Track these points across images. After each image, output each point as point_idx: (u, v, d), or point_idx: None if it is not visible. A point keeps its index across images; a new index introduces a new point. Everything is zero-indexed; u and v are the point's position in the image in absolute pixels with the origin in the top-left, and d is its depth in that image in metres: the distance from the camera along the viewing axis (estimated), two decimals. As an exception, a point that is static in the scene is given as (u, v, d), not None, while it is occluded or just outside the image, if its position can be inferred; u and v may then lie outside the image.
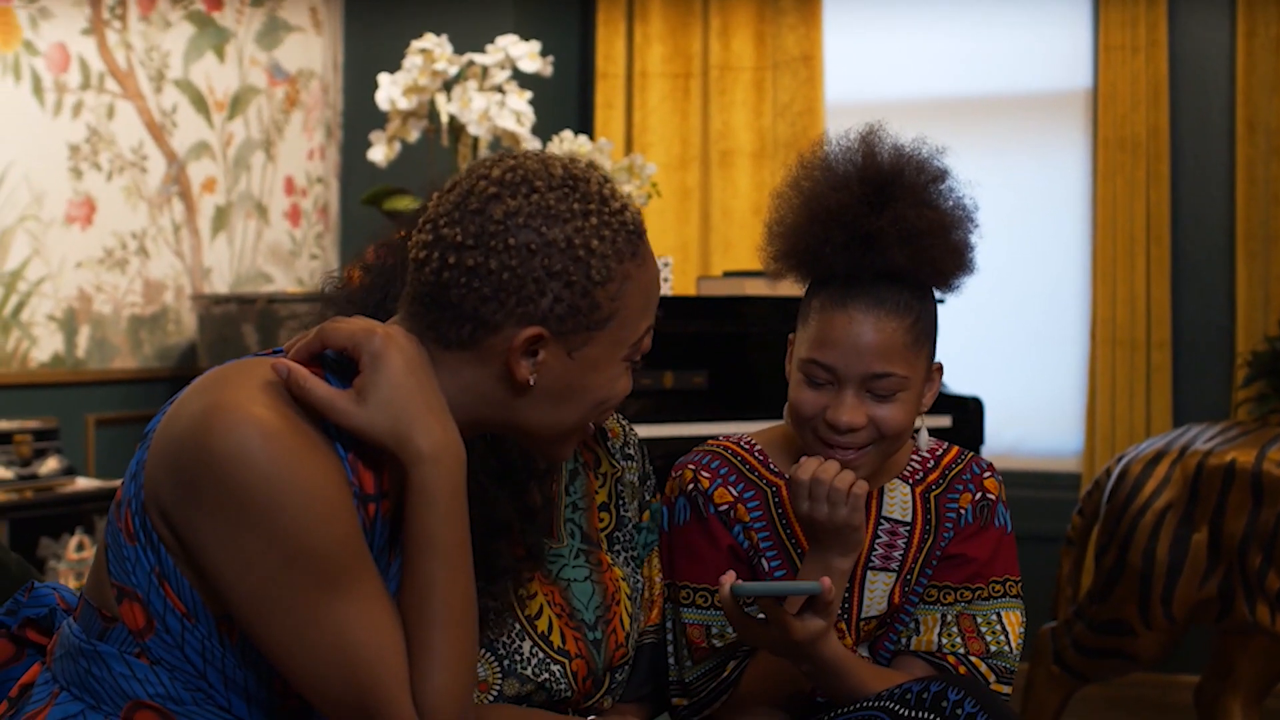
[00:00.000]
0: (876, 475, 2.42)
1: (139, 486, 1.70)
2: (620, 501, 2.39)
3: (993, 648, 2.38)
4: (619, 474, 2.40)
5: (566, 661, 2.22)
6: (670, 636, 2.43)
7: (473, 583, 1.75)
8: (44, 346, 4.95)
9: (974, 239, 2.35)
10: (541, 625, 2.22)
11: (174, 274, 5.38)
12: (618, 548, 2.37)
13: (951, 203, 2.33)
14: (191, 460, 1.62)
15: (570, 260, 1.74)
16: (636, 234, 1.81)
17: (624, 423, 2.47)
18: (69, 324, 5.02)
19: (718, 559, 2.39)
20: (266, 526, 1.60)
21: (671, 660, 2.43)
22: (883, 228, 2.26)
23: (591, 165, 1.83)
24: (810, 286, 2.36)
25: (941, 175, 2.34)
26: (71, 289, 5.02)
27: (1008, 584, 2.43)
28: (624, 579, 2.34)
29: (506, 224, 1.73)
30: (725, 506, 2.40)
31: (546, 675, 2.20)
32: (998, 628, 2.39)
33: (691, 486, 2.41)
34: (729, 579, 2.11)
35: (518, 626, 2.20)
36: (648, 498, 2.47)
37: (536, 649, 2.20)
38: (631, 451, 2.44)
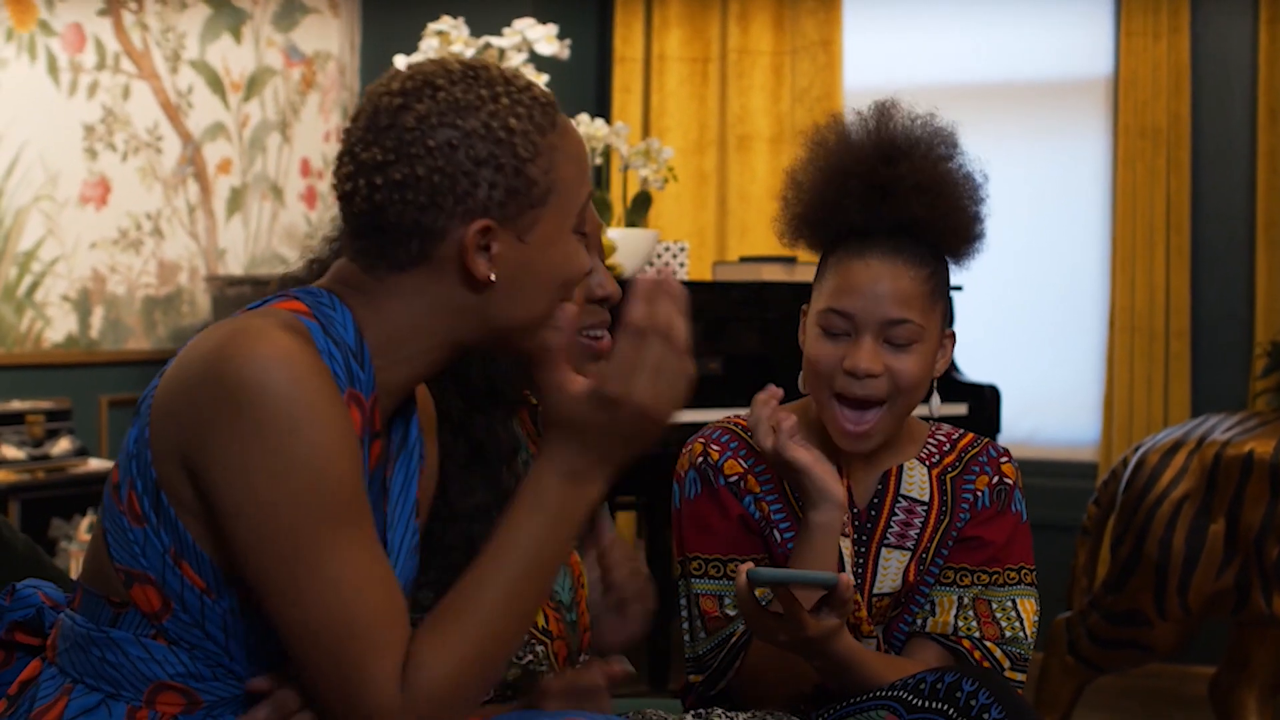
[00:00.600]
0: (892, 453, 2.42)
1: (144, 464, 1.68)
2: None
3: (1008, 633, 2.37)
4: None
5: (549, 642, 2.20)
6: (684, 613, 2.42)
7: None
8: (58, 327, 4.95)
9: (984, 212, 2.38)
10: None
11: (188, 255, 5.37)
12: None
13: (964, 173, 2.36)
14: (211, 388, 1.61)
15: (494, 144, 1.70)
16: (550, 105, 1.77)
17: None
18: (83, 304, 5.01)
19: (729, 530, 2.38)
20: (282, 453, 1.59)
21: (686, 637, 2.42)
22: (900, 176, 2.30)
23: (488, 60, 1.80)
24: (826, 248, 2.39)
25: (953, 144, 2.37)
26: (85, 269, 5.01)
27: (1023, 572, 2.41)
28: (583, 561, 2.33)
29: (421, 128, 1.70)
30: (735, 478, 2.39)
31: (530, 656, 2.17)
32: (1013, 614, 2.38)
33: (701, 459, 2.40)
34: (745, 568, 2.09)
35: None
36: None
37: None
38: None
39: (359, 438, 1.70)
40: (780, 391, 2.30)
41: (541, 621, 2.20)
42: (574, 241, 1.80)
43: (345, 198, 1.75)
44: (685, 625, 2.42)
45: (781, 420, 2.25)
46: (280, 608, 1.62)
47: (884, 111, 2.38)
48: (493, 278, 1.73)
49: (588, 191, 1.82)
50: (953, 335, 2.42)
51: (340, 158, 1.76)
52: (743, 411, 2.52)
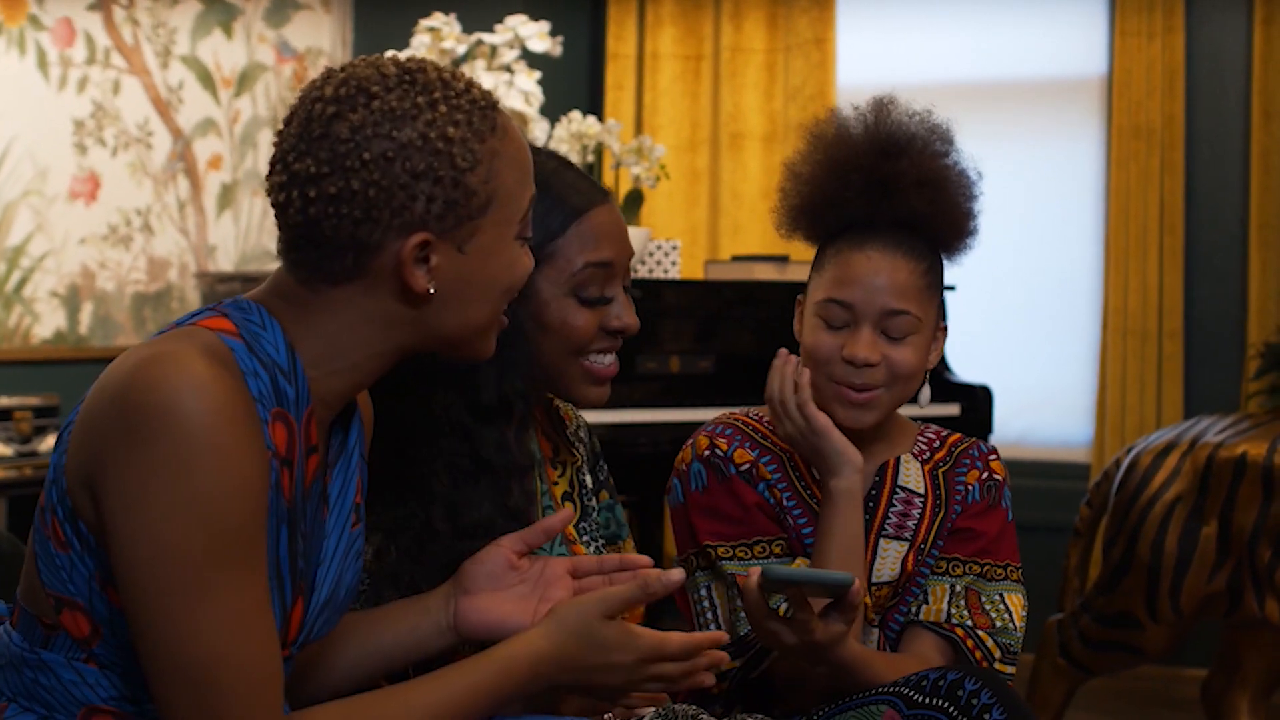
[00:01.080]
0: (887, 448, 2.48)
1: (61, 491, 1.63)
2: (583, 490, 2.38)
3: (998, 624, 2.39)
4: (577, 463, 2.40)
5: None
6: (706, 605, 2.42)
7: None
8: (46, 323, 4.92)
9: (979, 208, 2.44)
10: None
11: (178, 251, 5.34)
12: (586, 538, 2.36)
13: (959, 170, 2.42)
14: (117, 415, 1.55)
15: (431, 155, 1.66)
16: (490, 108, 1.73)
17: (572, 409, 2.47)
18: (72, 300, 4.99)
19: (746, 518, 2.40)
20: (179, 488, 1.53)
21: (711, 627, 2.41)
22: (901, 171, 2.36)
23: (424, 59, 1.75)
24: (824, 241, 2.44)
25: (949, 141, 2.42)
26: (75, 265, 4.98)
27: (1009, 569, 2.45)
28: None
29: (355, 140, 1.65)
30: (746, 465, 2.42)
31: None
32: (1001, 607, 2.40)
33: (708, 452, 2.43)
34: (757, 572, 2.10)
35: None
36: (601, 479, 2.47)
37: None
38: (582, 435, 2.46)
39: (289, 457, 1.66)
40: (796, 361, 2.35)
41: None
42: (515, 248, 1.77)
43: (279, 208, 1.70)
44: (701, 620, 2.42)
45: (802, 391, 2.31)
46: (150, 645, 1.57)
47: (882, 107, 2.42)
48: (431, 290, 1.70)
49: (530, 195, 1.78)
50: (945, 329, 2.47)
51: (273, 164, 1.70)
52: (736, 409, 2.53)
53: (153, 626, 1.56)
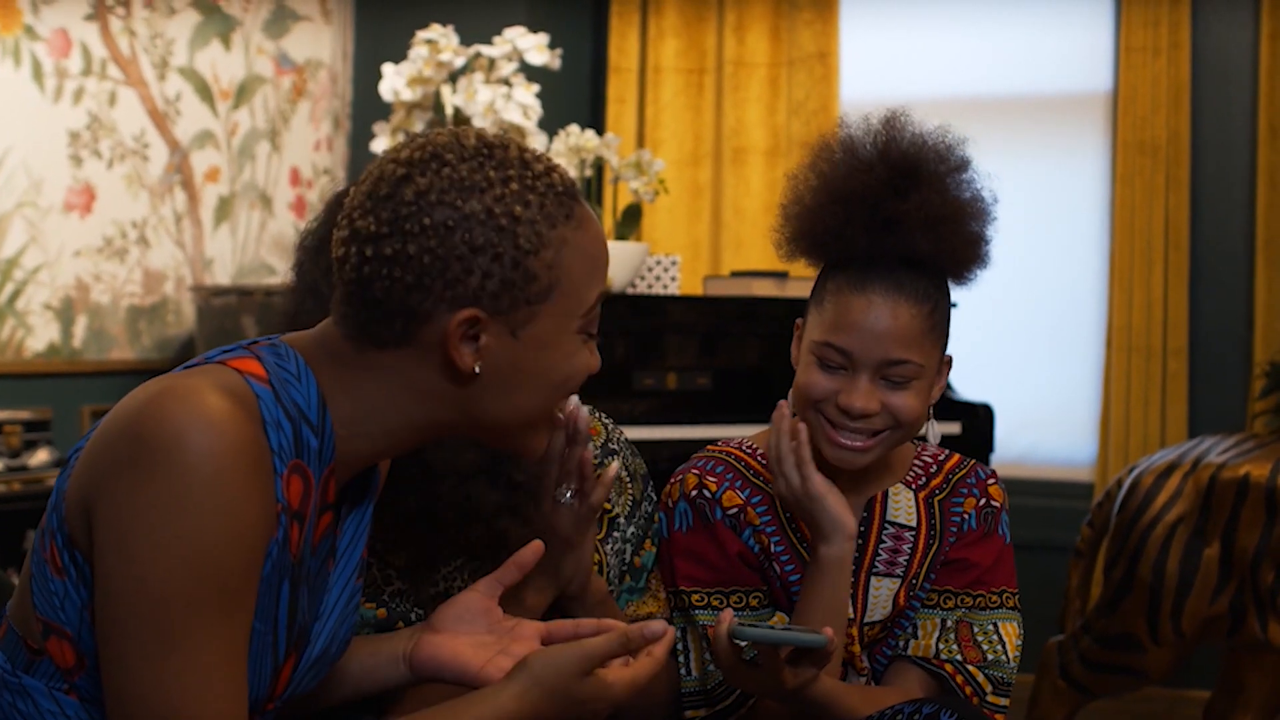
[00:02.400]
0: (879, 479, 2.39)
1: (61, 517, 1.60)
2: (609, 501, 2.33)
3: (990, 657, 2.32)
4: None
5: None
6: (679, 647, 2.36)
7: None
8: (39, 336, 4.88)
9: (991, 232, 2.33)
10: None
11: (175, 264, 5.31)
12: (608, 547, 2.32)
13: (972, 193, 2.31)
14: (123, 445, 1.52)
15: (494, 231, 1.62)
16: (568, 195, 1.68)
17: (606, 421, 2.41)
18: (66, 313, 4.95)
19: (727, 566, 2.34)
20: (171, 526, 1.50)
21: (683, 670, 2.36)
22: (908, 211, 2.24)
23: (512, 137, 1.72)
24: (825, 269, 2.33)
25: (964, 164, 2.32)
26: (69, 278, 4.95)
27: (1005, 595, 2.38)
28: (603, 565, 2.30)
29: (419, 204, 1.61)
30: (734, 510, 2.35)
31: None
32: (995, 638, 2.34)
33: (695, 492, 2.36)
34: (728, 618, 2.05)
35: None
36: (647, 491, 2.41)
37: None
38: (615, 447, 2.39)
39: (301, 511, 1.62)
40: (796, 421, 2.25)
41: None
42: (575, 342, 1.72)
43: (338, 263, 1.67)
44: (681, 659, 2.36)
45: (802, 450, 2.21)
46: (117, 685, 1.53)
47: (893, 127, 2.31)
48: (477, 369, 1.65)
49: (598, 293, 1.72)
50: (949, 360, 2.37)
51: (341, 220, 1.67)
52: (732, 431, 2.47)
53: (121, 665, 1.52)
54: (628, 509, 2.36)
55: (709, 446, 2.45)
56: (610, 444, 2.38)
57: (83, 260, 4.99)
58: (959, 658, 2.31)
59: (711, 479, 2.36)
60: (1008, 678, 2.33)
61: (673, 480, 2.40)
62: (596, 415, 2.39)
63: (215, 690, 1.53)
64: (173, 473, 1.50)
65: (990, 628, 2.34)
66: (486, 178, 1.63)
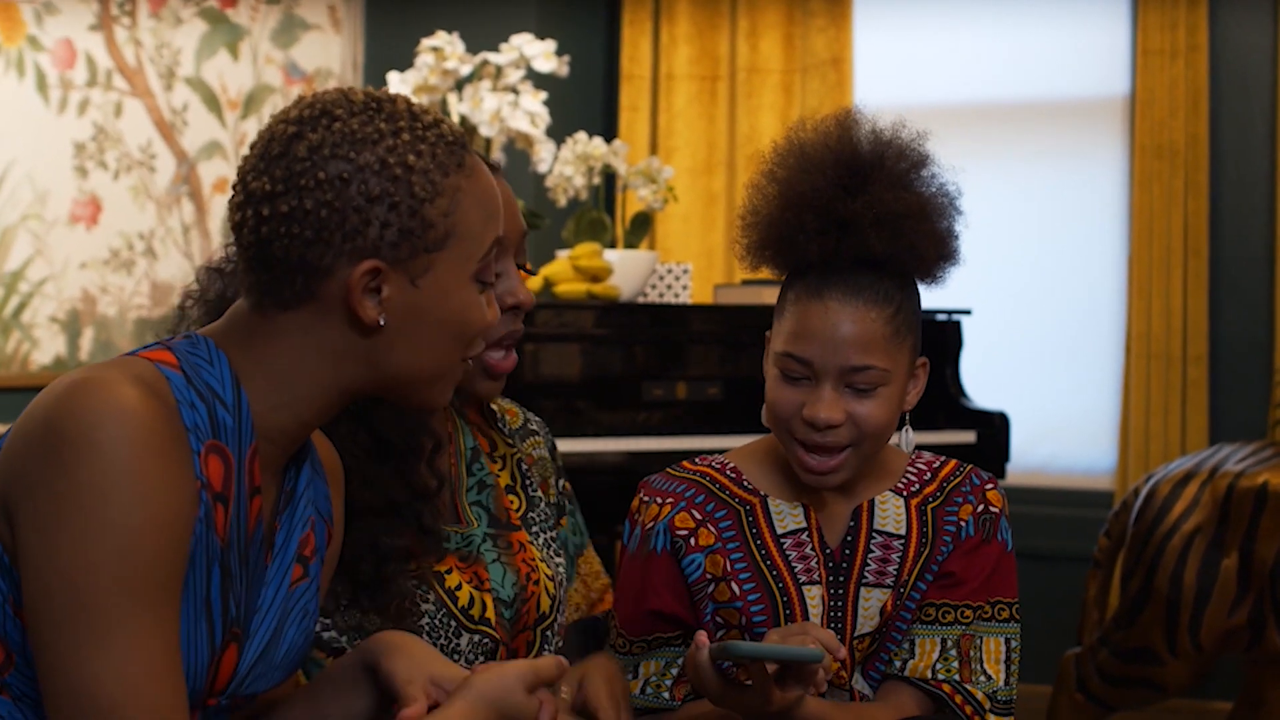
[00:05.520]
0: (865, 486, 2.32)
1: None
2: (527, 482, 2.34)
3: (990, 675, 2.26)
4: (517, 454, 2.35)
5: (489, 630, 2.17)
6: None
7: None
8: (45, 349, 4.86)
9: (958, 227, 2.26)
10: (463, 600, 2.16)
11: (182, 276, 5.28)
12: (535, 529, 2.31)
13: (933, 189, 2.24)
14: (38, 439, 1.52)
15: (389, 181, 1.62)
16: (458, 145, 1.70)
17: (520, 406, 2.45)
18: (72, 326, 4.93)
19: (647, 612, 2.30)
20: (93, 517, 1.49)
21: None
22: (858, 211, 2.17)
23: (399, 94, 1.72)
24: (786, 278, 2.27)
25: (923, 161, 2.25)
26: (75, 290, 4.93)
27: (998, 607, 2.30)
28: (541, 560, 2.28)
29: (313, 159, 1.61)
30: (684, 532, 2.29)
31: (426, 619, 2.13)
32: (996, 653, 2.27)
33: (643, 517, 2.32)
34: (705, 641, 2.01)
35: (448, 618, 2.14)
36: (561, 465, 2.47)
37: (462, 629, 2.15)
38: (535, 428, 2.42)
39: (224, 492, 1.61)
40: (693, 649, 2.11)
41: (478, 610, 2.15)
42: (472, 290, 1.72)
43: (235, 228, 1.67)
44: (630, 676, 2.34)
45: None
46: (53, 682, 1.51)
47: (845, 126, 2.25)
48: (381, 322, 1.66)
49: (494, 238, 1.74)
50: (925, 364, 2.30)
51: (233, 186, 1.68)
52: (741, 441, 2.43)
53: (56, 661, 1.51)
54: (554, 496, 2.43)
55: (682, 463, 2.39)
56: (529, 424, 2.43)
57: (89, 272, 4.97)
58: (956, 677, 2.25)
59: (669, 500, 2.31)
60: (1008, 696, 2.27)
61: (636, 498, 2.36)
62: (509, 401, 2.43)
63: (153, 680, 1.52)
64: (89, 464, 1.49)
65: (992, 642, 2.27)
66: (378, 129, 1.64)
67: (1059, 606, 5.11)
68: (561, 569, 2.34)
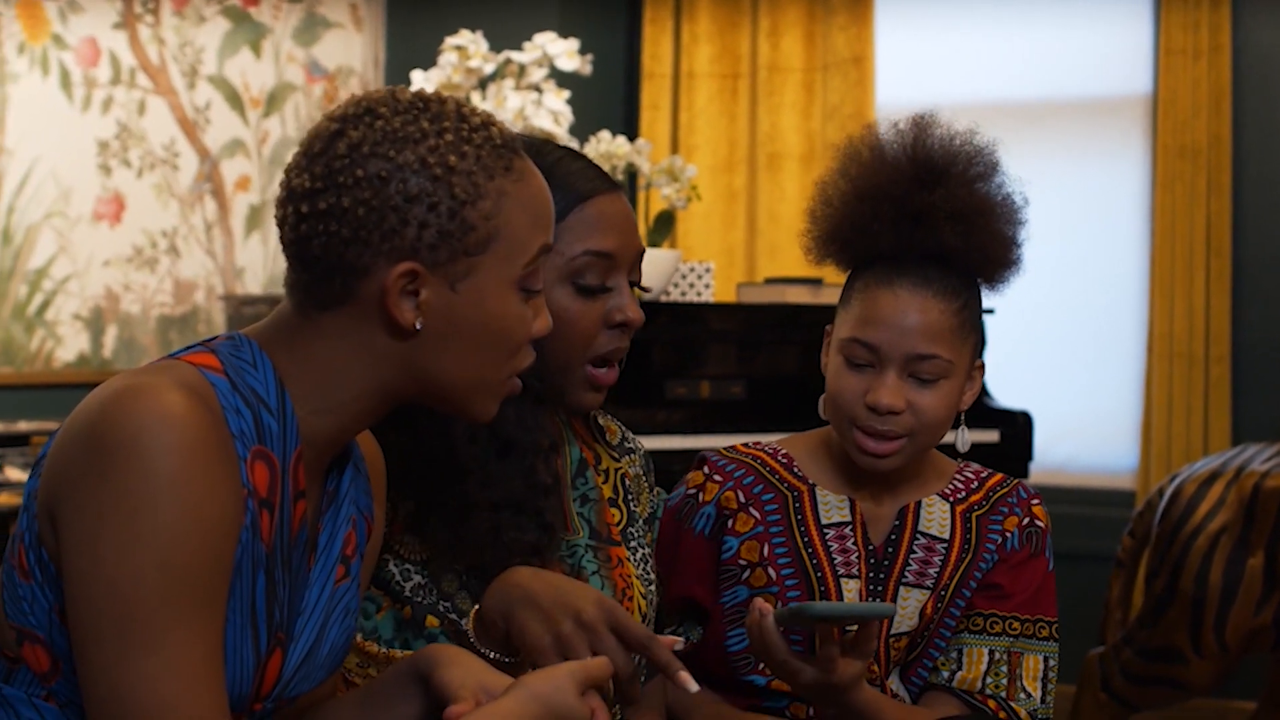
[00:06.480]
0: (913, 488, 2.34)
1: (30, 517, 1.57)
2: (629, 496, 2.29)
3: (1033, 693, 2.28)
4: (621, 469, 2.31)
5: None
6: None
7: None
8: (69, 346, 4.87)
9: (1023, 235, 2.28)
10: None
11: (205, 274, 5.29)
12: (633, 544, 2.27)
13: (1003, 194, 2.26)
14: (83, 446, 1.50)
15: (428, 180, 1.59)
16: (506, 148, 1.65)
17: (619, 424, 2.39)
18: (95, 323, 4.93)
19: (672, 593, 2.31)
20: (137, 525, 1.47)
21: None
22: (934, 203, 2.21)
23: (452, 96, 1.69)
24: (853, 271, 2.30)
25: (995, 166, 2.27)
26: (98, 288, 4.93)
27: (1040, 624, 2.31)
28: (637, 576, 2.24)
29: (352, 156, 1.59)
30: (728, 513, 2.31)
31: None
32: (1034, 671, 2.29)
33: (693, 490, 2.34)
34: (766, 606, 2.01)
35: None
36: (653, 482, 2.40)
37: None
38: (631, 445, 2.36)
39: (269, 498, 1.60)
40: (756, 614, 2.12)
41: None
42: (514, 298, 1.68)
43: (278, 224, 1.65)
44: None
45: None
46: (96, 689, 1.49)
47: (922, 127, 2.28)
48: (418, 325, 1.62)
49: (541, 244, 1.69)
50: (982, 366, 2.32)
51: (280, 183, 1.66)
52: (764, 438, 2.42)
53: (99, 669, 1.49)
54: (647, 512, 2.35)
55: (739, 445, 2.40)
56: (627, 441, 2.36)
57: (112, 270, 4.97)
58: (1004, 694, 2.27)
59: (718, 478, 2.33)
60: (1045, 714, 2.29)
61: (696, 471, 2.38)
62: (610, 419, 2.37)
63: (195, 690, 1.50)
64: (134, 472, 1.47)
65: (1033, 660, 2.29)
66: (420, 129, 1.61)
67: (1080, 605, 5.09)
68: (654, 587, 2.29)
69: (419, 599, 2.04)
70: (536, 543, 2.04)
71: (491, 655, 1.91)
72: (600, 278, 2.08)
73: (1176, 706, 5.04)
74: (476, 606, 1.95)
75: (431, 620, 2.02)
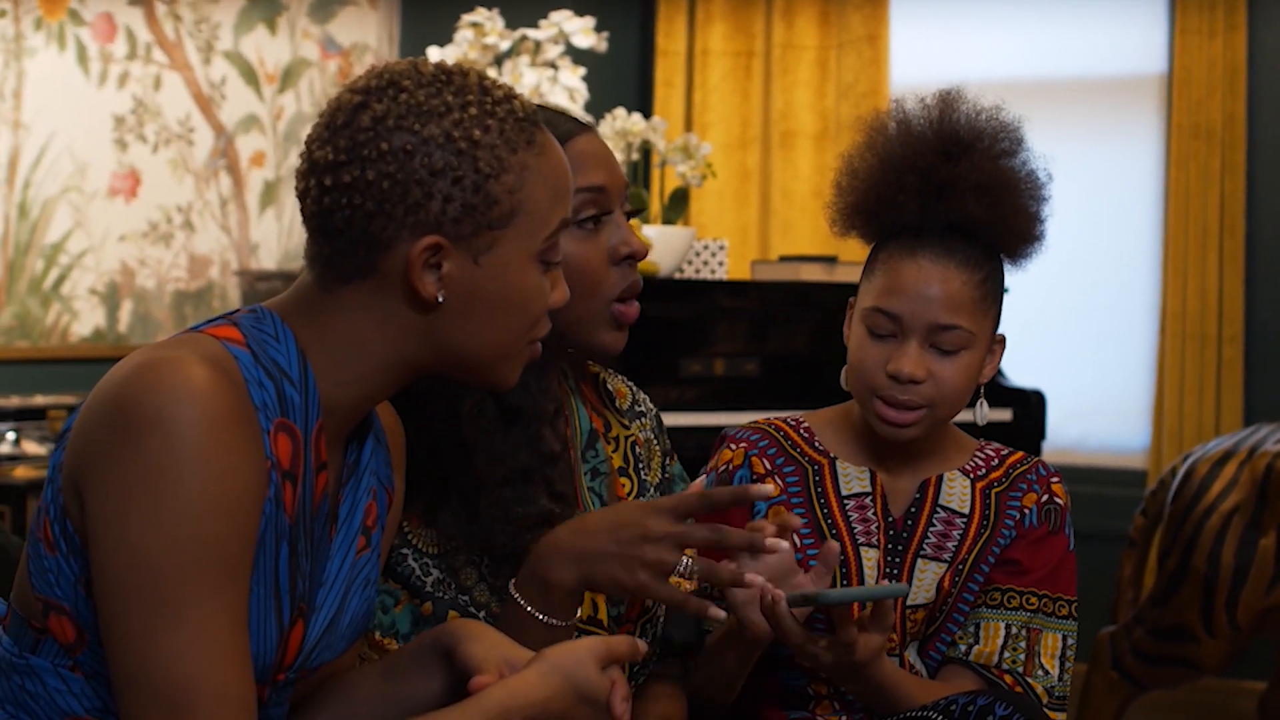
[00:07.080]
0: (934, 463, 2.37)
1: (55, 490, 1.58)
2: (639, 465, 2.30)
3: (1050, 669, 2.29)
4: (631, 435, 2.30)
5: (602, 633, 2.12)
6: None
7: None
8: (85, 321, 4.88)
9: (1046, 211, 2.31)
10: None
11: (220, 249, 5.30)
12: None
13: (1026, 171, 2.30)
14: (109, 419, 1.51)
15: (453, 154, 1.59)
16: (529, 122, 1.66)
17: (630, 384, 2.38)
18: (111, 298, 4.94)
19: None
20: (164, 498, 1.48)
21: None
22: (958, 175, 2.23)
23: (474, 68, 1.68)
24: (877, 243, 2.32)
25: (1019, 144, 2.31)
26: (114, 263, 4.95)
27: (1059, 603, 2.32)
28: None
29: (377, 129, 1.59)
30: (758, 478, 2.33)
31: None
32: (1052, 649, 2.30)
33: (724, 467, 2.35)
34: (778, 593, 2.01)
35: None
36: (669, 445, 2.39)
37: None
38: (642, 408, 2.36)
39: (292, 470, 1.60)
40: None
41: (587, 611, 2.11)
42: (536, 271, 1.69)
43: (300, 197, 1.65)
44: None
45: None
46: (123, 661, 1.50)
47: (948, 102, 2.30)
48: (440, 298, 1.63)
49: (561, 218, 1.70)
50: (1003, 340, 2.34)
51: (301, 155, 1.66)
52: (778, 414, 2.44)
53: (127, 642, 1.50)
54: (658, 479, 2.35)
55: (759, 419, 2.42)
56: (637, 405, 2.36)
57: (128, 245, 4.98)
58: (1021, 670, 2.28)
59: (742, 444, 2.36)
60: (1064, 693, 2.30)
61: (716, 448, 2.39)
62: (620, 379, 2.37)
63: (221, 661, 1.51)
64: (159, 445, 1.48)
65: (1050, 639, 2.30)
66: (445, 102, 1.61)
67: (1092, 584, 5.08)
68: None
69: (439, 594, 2.04)
70: (547, 512, 2.04)
71: (551, 621, 1.92)
72: (596, 211, 2.08)
73: (1187, 686, 5.06)
74: (513, 579, 1.96)
75: (453, 616, 2.02)
